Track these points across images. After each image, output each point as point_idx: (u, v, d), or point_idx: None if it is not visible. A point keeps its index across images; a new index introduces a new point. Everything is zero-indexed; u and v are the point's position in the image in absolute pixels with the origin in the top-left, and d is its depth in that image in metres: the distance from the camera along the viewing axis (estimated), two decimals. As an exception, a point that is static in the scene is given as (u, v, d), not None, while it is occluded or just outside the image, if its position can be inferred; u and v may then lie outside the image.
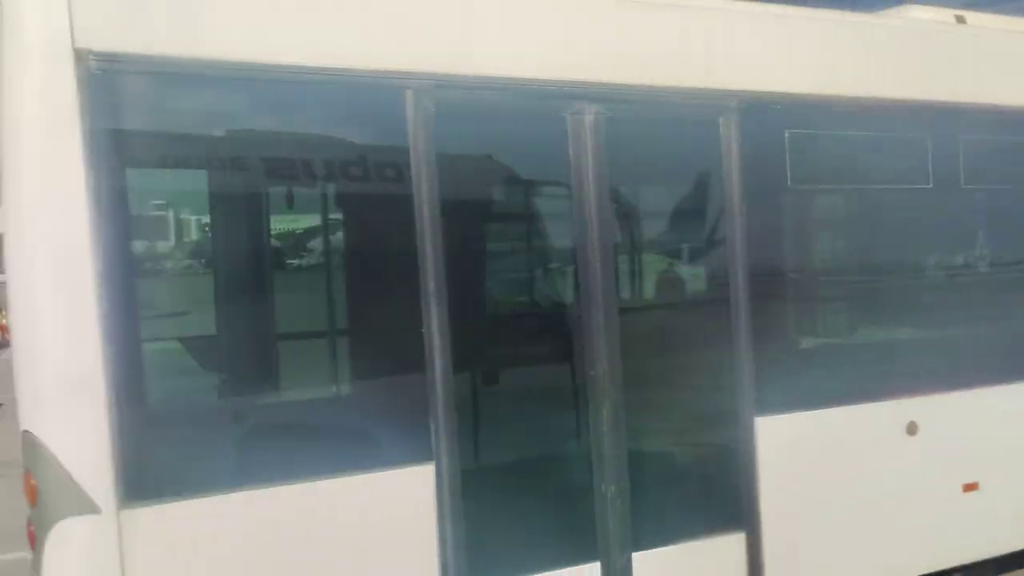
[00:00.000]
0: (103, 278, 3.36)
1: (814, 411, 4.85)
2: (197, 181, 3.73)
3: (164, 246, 3.72)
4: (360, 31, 3.82)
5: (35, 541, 3.45)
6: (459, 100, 4.04)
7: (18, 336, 3.42)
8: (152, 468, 3.48)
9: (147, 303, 3.59)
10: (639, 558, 4.43)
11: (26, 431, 3.39)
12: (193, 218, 3.74)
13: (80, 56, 3.35)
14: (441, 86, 3.98)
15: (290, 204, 3.85)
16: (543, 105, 4.28)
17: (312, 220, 3.94)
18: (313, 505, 3.73)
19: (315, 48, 3.70)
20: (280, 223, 3.90)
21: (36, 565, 3.45)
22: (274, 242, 3.87)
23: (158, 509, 3.47)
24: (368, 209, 3.95)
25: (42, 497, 3.38)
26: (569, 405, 4.34)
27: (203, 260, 3.85)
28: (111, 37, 3.40)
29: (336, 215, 3.95)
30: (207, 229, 3.78)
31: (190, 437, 3.65)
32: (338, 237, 3.95)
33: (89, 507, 3.37)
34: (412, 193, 3.90)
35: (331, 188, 3.95)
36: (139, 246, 3.58)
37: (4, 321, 25.09)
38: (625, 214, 4.48)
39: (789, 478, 4.78)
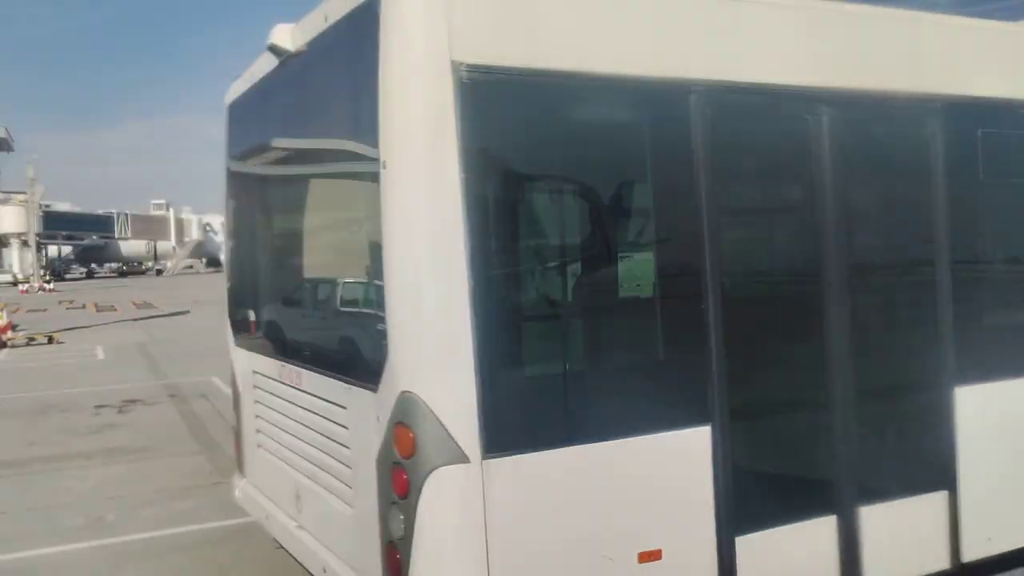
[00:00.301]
0: (473, 262, 3.90)
1: (1003, 382, 5.42)
2: (545, 175, 4.28)
3: (519, 235, 4.26)
4: (672, 47, 4.40)
5: (408, 486, 3.97)
6: (729, 103, 4.60)
7: (399, 314, 3.95)
8: (506, 425, 4.01)
9: (507, 284, 4.14)
10: (864, 512, 4.98)
11: (405, 391, 3.93)
12: (540, 209, 4.28)
13: (455, 67, 3.88)
14: (716, 91, 4.53)
15: (618, 196, 4.41)
16: (791, 107, 4.84)
17: (630, 211, 4.50)
18: (623, 459, 4.28)
19: (637, 58, 4.27)
20: (607, 213, 4.44)
21: (407, 507, 3.98)
22: (596, 231, 4.41)
23: (511, 460, 4.01)
24: (669, 199, 4.52)
25: (420, 448, 3.92)
26: (813, 374, 4.90)
27: (548, 246, 4.38)
28: (478, 51, 3.95)
29: (646, 205, 4.50)
30: (551, 220, 4.32)
31: (535, 399, 4.19)
32: (646, 224, 4.50)
33: (460, 457, 3.92)
34: (694, 184, 4.46)
35: (643, 182, 4.52)
36: (499, 235, 4.11)
37: (2, 322, 25.40)
38: (854, 203, 5.02)
39: (982, 441, 5.34)
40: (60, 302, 46.00)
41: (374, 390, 4.17)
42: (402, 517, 4.02)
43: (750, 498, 4.63)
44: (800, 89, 4.83)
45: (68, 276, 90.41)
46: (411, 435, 3.94)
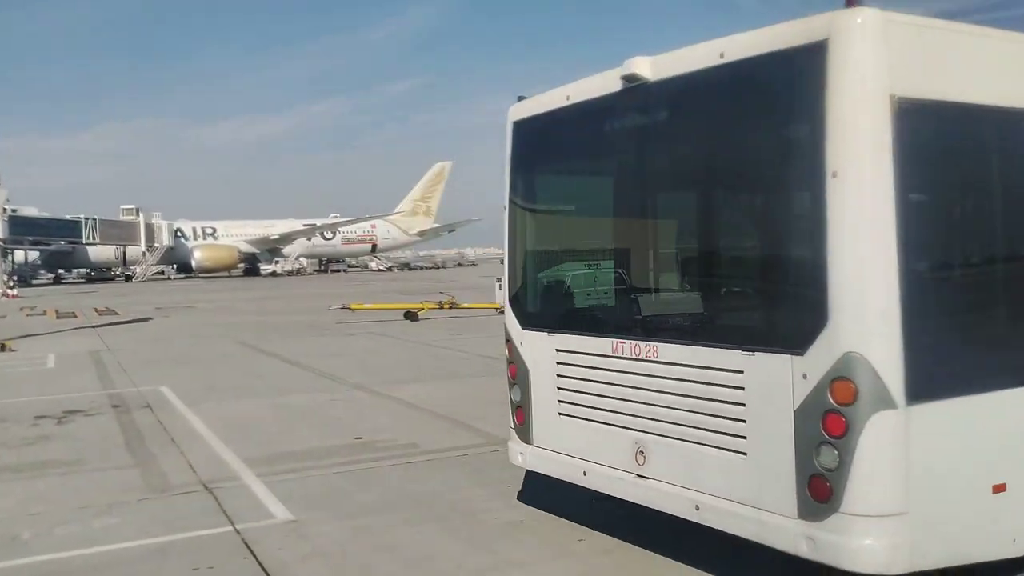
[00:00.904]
0: (901, 249, 5.06)
1: None
2: (949, 182, 5.61)
3: (933, 228, 5.53)
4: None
5: (846, 428, 5.07)
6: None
7: (845, 289, 5.07)
8: (920, 379, 5.13)
9: (930, 270, 5.38)
10: None
11: (849, 351, 5.05)
12: (947, 208, 5.64)
13: (891, 99, 5.04)
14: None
15: (989, 197, 5.74)
16: None
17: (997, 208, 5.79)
18: (986, 408, 5.46)
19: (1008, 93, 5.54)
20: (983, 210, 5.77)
21: (844, 445, 5.08)
22: (980, 222, 5.79)
23: (923, 407, 5.15)
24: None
25: (861, 397, 5.04)
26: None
27: (953, 235, 5.74)
28: (906, 86, 5.12)
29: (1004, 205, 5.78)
30: (954, 217, 5.72)
31: (937, 360, 5.31)
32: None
33: (892, 404, 5.06)
34: None
35: (1001, 185, 5.79)
36: (919, 227, 5.27)
37: None
38: None
39: None
40: (21, 308, 43.82)
41: (799, 353, 5.27)
42: (836, 452, 5.11)
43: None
44: None
45: (35, 282, 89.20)
46: (853, 387, 5.05)
